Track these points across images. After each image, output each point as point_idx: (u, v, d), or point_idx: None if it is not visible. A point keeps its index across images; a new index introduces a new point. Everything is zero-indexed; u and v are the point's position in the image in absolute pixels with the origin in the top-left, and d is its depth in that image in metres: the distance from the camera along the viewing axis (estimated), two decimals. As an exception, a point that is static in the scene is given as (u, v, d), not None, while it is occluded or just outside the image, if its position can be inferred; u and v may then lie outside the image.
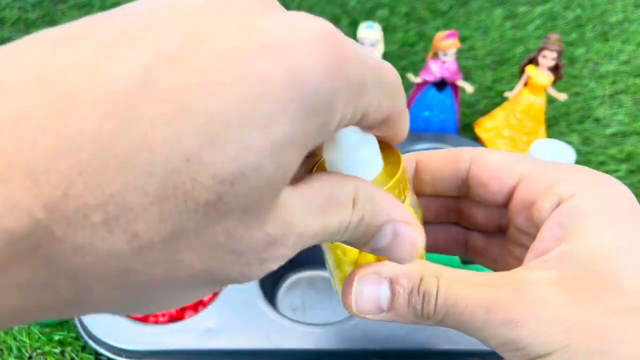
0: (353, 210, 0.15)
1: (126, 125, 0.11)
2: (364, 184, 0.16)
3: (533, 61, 0.52)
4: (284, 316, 0.38)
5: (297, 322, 0.38)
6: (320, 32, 0.12)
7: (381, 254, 0.17)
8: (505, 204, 0.21)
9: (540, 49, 0.51)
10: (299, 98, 0.12)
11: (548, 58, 0.51)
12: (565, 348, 0.16)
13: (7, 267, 0.11)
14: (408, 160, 0.22)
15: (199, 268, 0.13)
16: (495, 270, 0.23)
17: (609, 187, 0.18)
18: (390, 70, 0.15)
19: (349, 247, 0.19)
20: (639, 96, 0.66)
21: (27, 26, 0.73)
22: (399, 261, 0.17)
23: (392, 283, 0.18)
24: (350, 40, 0.13)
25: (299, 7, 0.80)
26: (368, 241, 0.16)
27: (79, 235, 0.11)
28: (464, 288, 0.17)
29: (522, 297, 0.17)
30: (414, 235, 0.16)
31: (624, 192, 0.19)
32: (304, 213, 0.14)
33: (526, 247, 0.20)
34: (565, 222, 0.18)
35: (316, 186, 0.14)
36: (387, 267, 0.18)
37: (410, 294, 0.18)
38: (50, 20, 0.74)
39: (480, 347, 0.36)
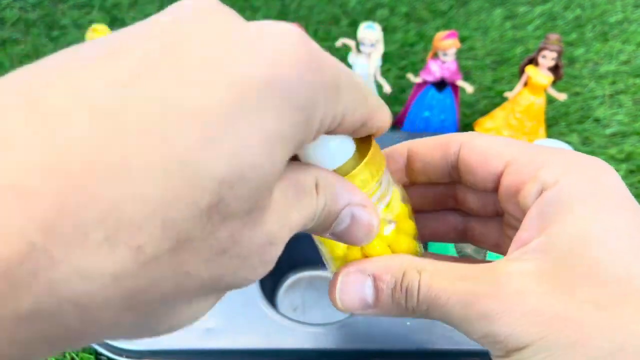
0: (317, 197, 0.15)
1: (114, 133, 0.10)
2: (323, 171, 0.16)
3: (533, 61, 0.53)
4: (284, 316, 0.38)
5: (297, 321, 0.38)
6: (296, 36, 0.13)
7: (340, 239, 0.17)
8: (495, 189, 0.21)
9: (540, 49, 0.51)
10: (281, 92, 0.12)
11: (548, 58, 0.51)
12: (541, 340, 0.16)
13: (6, 299, 0.10)
14: (399, 150, 0.22)
15: (207, 277, 0.12)
16: (501, 254, 0.23)
17: (594, 172, 0.18)
18: (358, 75, 0.16)
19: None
20: (639, 96, 0.66)
21: (27, 26, 0.73)
22: (357, 243, 0.17)
23: (375, 280, 0.18)
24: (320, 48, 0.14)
25: (298, 8, 0.80)
26: (328, 227, 0.17)
27: (80, 256, 0.10)
28: (445, 281, 0.18)
29: (498, 290, 0.17)
30: (371, 217, 0.17)
31: (610, 175, 0.18)
32: (286, 205, 0.14)
33: None
34: (547, 211, 0.18)
35: (284, 177, 0.14)
36: (371, 264, 0.19)
37: (393, 289, 0.18)
38: (51, 20, 0.74)
39: (480, 347, 0.36)
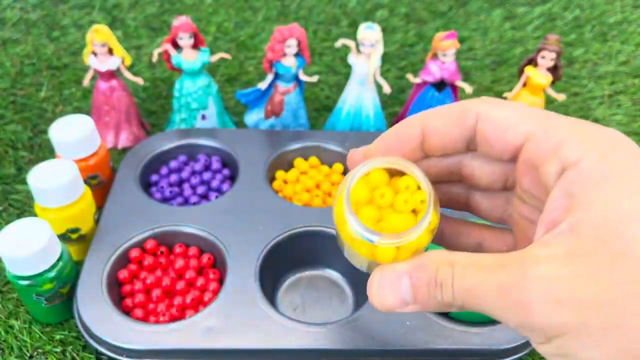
0: None
1: None
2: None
3: (532, 62, 0.53)
4: (284, 315, 0.38)
5: (297, 321, 0.38)
6: None
7: None
8: (512, 160, 0.20)
9: (539, 50, 0.51)
10: None
11: (547, 59, 0.51)
12: (580, 326, 0.16)
13: None
14: (414, 130, 0.21)
15: None
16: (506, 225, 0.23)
17: (615, 147, 0.18)
18: None
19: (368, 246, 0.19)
20: (638, 96, 0.66)
21: (28, 26, 0.73)
22: None
23: (411, 277, 0.19)
24: None
25: (298, 8, 0.80)
26: None
27: None
28: (476, 273, 0.18)
29: (530, 278, 0.16)
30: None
31: (630, 149, 0.18)
32: None
33: (534, 208, 0.20)
34: (573, 191, 0.17)
35: None
36: (405, 263, 0.19)
37: (428, 285, 0.18)
38: (52, 20, 0.74)
39: (480, 346, 0.37)
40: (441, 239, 0.23)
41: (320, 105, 0.63)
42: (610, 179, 0.17)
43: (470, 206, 0.24)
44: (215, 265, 0.44)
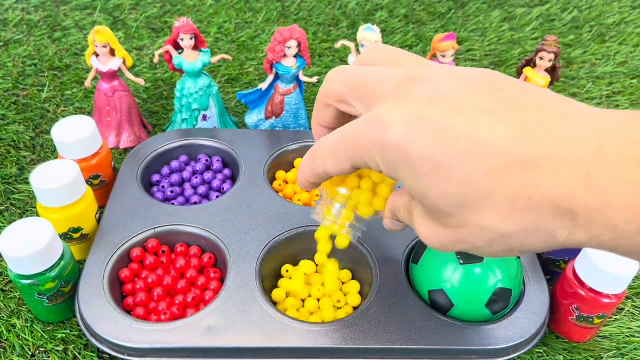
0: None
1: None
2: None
3: (530, 63, 0.53)
4: (284, 314, 0.38)
5: (298, 320, 0.38)
6: None
7: None
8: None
9: (538, 51, 0.52)
10: None
11: (545, 60, 0.51)
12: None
13: None
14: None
15: None
16: None
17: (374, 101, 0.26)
18: None
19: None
20: (636, 97, 0.66)
21: (30, 27, 0.73)
22: None
23: (392, 217, 0.31)
24: None
25: (298, 9, 0.80)
26: None
27: None
28: (406, 215, 0.29)
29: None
30: None
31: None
32: None
33: None
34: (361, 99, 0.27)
35: None
36: (386, 212, 0.31)
37: (400, 219, 0.30)
38: (53, 21, 0.74)
39: (478, 346, 0.37)
40: None
41: (320, 106, 0.63)
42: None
43: None
44: (216, 265, 0.44)
